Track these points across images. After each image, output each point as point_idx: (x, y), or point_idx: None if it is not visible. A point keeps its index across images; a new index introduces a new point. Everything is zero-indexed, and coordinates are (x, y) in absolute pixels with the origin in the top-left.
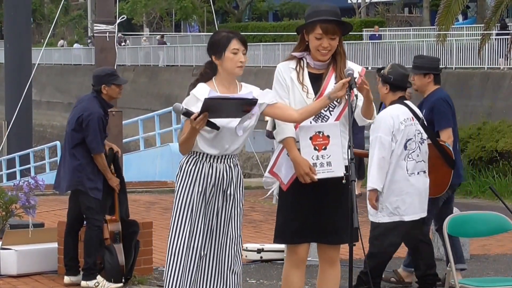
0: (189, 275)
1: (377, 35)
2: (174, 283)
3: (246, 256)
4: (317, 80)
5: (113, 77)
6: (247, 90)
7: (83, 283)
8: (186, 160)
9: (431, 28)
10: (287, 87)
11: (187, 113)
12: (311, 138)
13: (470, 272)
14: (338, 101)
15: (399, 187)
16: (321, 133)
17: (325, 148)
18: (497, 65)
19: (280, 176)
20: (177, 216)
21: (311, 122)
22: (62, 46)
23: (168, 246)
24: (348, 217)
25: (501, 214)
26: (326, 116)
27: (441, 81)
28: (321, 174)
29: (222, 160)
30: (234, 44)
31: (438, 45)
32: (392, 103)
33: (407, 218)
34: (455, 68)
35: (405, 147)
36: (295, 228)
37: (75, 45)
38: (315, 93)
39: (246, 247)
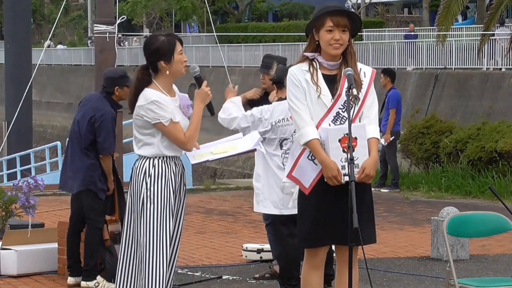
0: (171, 269)
1: (412, 34)
2: (165, 279)
3: (246, 257)
4: (331, 82)
5: (126, 78)
6: (180, 95)
7: (83, 283)
8: (152, 164)
9: (430, 29)
10: (303, 89)
11: (198, 79)
12: (340, 140)
13: (470, 272)
14: (355, 101)
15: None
16: None
17: (353, 150)
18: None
19: (301, 180)
20: (161, 216)
21: (330, 125)
22: (49, 46)
23: (154, 244)
24: (368, 218)
25: (500, 214)
26: (344, 117)
27: (441, 81)
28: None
29: (180, 158)
30: (179, 46)
31: (437, 45)
32: (279, 99)
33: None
34: (454, 68)
35: (281, 146)
36: (320, 231)
37: (59, 46)
38: (332, 95)
39: (246, 247)
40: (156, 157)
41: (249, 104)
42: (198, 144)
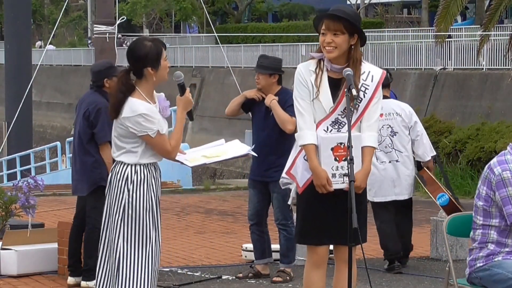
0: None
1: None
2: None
3: (245, 257)
4: (336, 86)
5: (113, 69)
6: (158, 96)
7: (83, 283)
8: (134, 170)
9: (430, 29)
10: (308, 89)
11: (183, 87)
12: (332, 149)
13: None
14: (357, 107)
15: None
16: (343, 144)
17: (345, 159)
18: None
19: (297, 178)
20: (143, 223)
21: (328, 128)
22: (40, 47)
23: (137, 252)
24: (362, 220)
25: None
26: (343, 122)
27: (441, 81)
28: (339, 185)
29: (158, 164)
30: (164, 52)
31: (437, 45)
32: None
33: (376, 199)
34: (453, 69)
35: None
36: (313, 229)
37: (48, 47)
38: (334, 99)
39: (246, 247)
40: (140, 166)
41: (245, 104)
42: (183, 150)
